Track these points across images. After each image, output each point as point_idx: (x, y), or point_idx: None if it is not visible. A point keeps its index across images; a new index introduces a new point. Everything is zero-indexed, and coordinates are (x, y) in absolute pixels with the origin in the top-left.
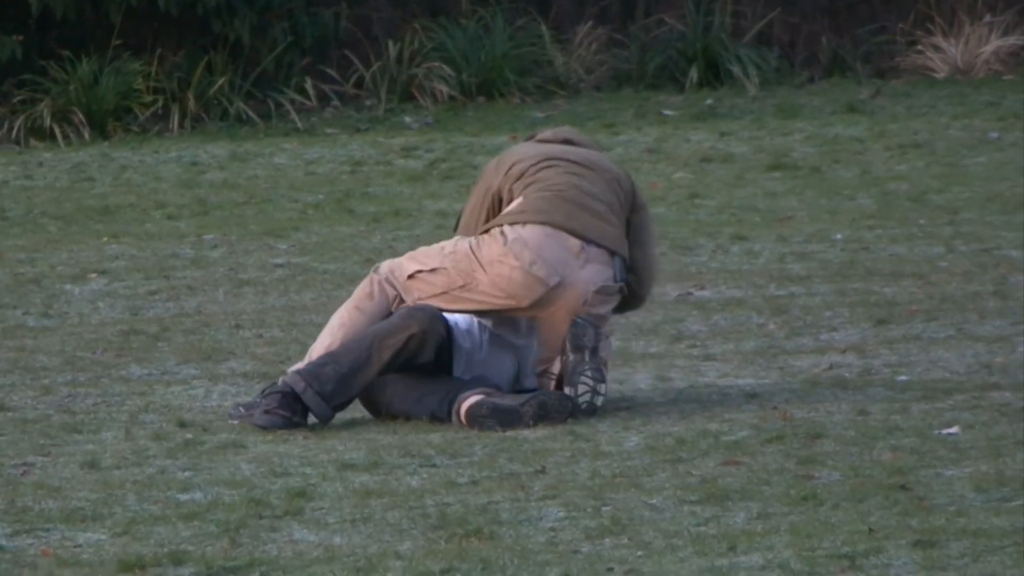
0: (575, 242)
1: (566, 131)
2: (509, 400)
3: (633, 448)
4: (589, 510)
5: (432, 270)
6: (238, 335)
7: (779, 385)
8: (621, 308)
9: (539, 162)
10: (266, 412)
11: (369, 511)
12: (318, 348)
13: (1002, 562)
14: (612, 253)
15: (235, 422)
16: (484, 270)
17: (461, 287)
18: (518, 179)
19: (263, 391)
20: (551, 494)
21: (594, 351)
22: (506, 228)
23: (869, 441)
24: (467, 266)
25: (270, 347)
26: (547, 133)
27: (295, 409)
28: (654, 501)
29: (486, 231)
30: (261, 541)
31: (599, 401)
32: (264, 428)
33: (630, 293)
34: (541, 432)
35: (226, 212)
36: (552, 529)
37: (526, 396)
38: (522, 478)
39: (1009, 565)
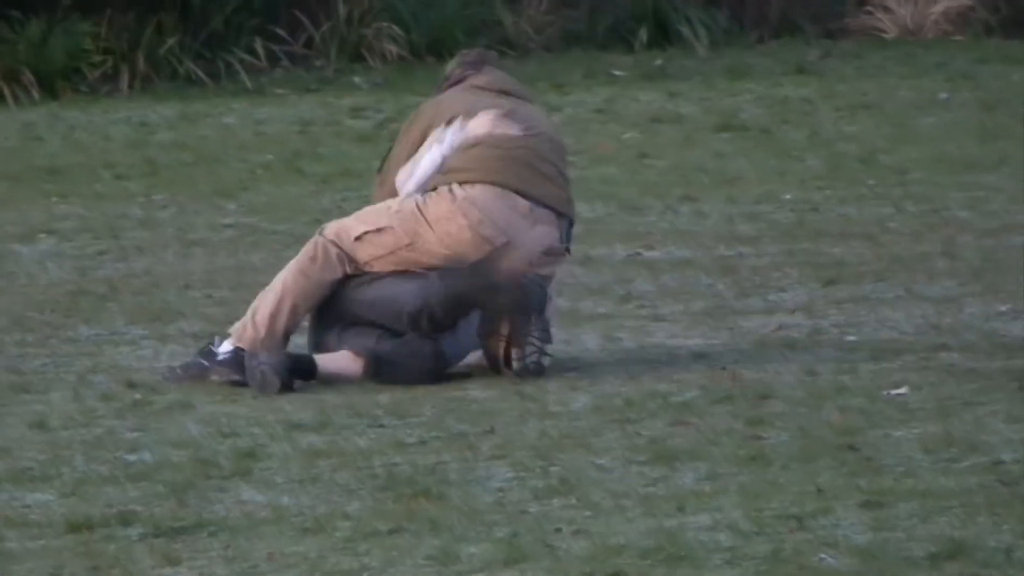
0: (524, 203)
1: (502, 79)
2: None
3: (581, 409)
4: (537, 470)
5: (378, 230)
6: (187, 295)
7: (728, 346)
8: None
9: (476, 107)
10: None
11: (317, 471)
12: (261, 310)
13: (950, 523)
14: (560, 215)
15: (171, 384)
16: (431, 228)
17: (407, 246)
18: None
19: (199, 351)
20: (499, 454)
21: (540, 312)
22: (455, 187)
23: (817, 402)
24: (413, 225)
25: (219, 307)
26: (480, 79)
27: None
28: (602, 461)
29: (434, 188)
30: (209, 501)
31: (546, 361)
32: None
33: None
34: (489, 392)
35: (175, 172)
36: (500, 489)
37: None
38: (470, 438)
39: (957, 526)
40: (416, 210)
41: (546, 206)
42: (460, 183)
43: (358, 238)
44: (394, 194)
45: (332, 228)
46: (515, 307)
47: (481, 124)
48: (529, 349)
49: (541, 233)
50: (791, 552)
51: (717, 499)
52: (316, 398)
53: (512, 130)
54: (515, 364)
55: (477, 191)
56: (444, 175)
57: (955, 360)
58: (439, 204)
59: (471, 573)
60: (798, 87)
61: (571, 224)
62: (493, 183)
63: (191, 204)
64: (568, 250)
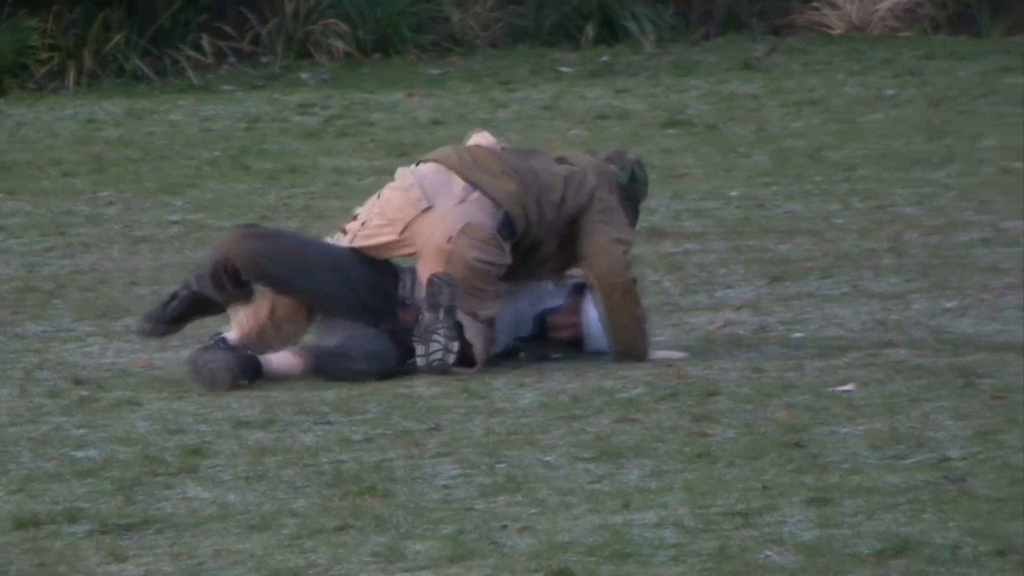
0: (461, 183)
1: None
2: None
3: (528, 405)
4: (483, 467)
5: (353, 217)
6: (134, 292)
7: (674, 342)
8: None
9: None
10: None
11: (264, 468)
12: None
13: (896, 519)
14: (498, 204)
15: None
16: (378, 199)
17: (362, 224)
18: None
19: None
20: (445, 451)
21: (449, 310)
22: (411, 167)
23: (764, 399)
24: (370, 204)
25: None
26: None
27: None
28: (548, 458)
29: None
30: (156, 498)
31: (451, 359)
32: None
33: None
34: (436, 389)
35: (122, 169)
36: (446, 486)
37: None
38: (416, 435)
39: (903, 522)
40: (377, 195)
41: (484, 193)
42: (416, 164)
43: (343, 231)
44: None
45: None
46: (425, 304)
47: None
48: (433, 347)
49: (467, 210)
50: (737, 549)
51: (663, 496)
52: (263, 395)
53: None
54: (419, 360)
55: (423, 167)
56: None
57: (902, 357)
58: (388, 187)
59: (417, 570)
60: (744, 83)
61: (510, 219)
62: (438, 161)
63: (138, 201)
64: (498, 239)
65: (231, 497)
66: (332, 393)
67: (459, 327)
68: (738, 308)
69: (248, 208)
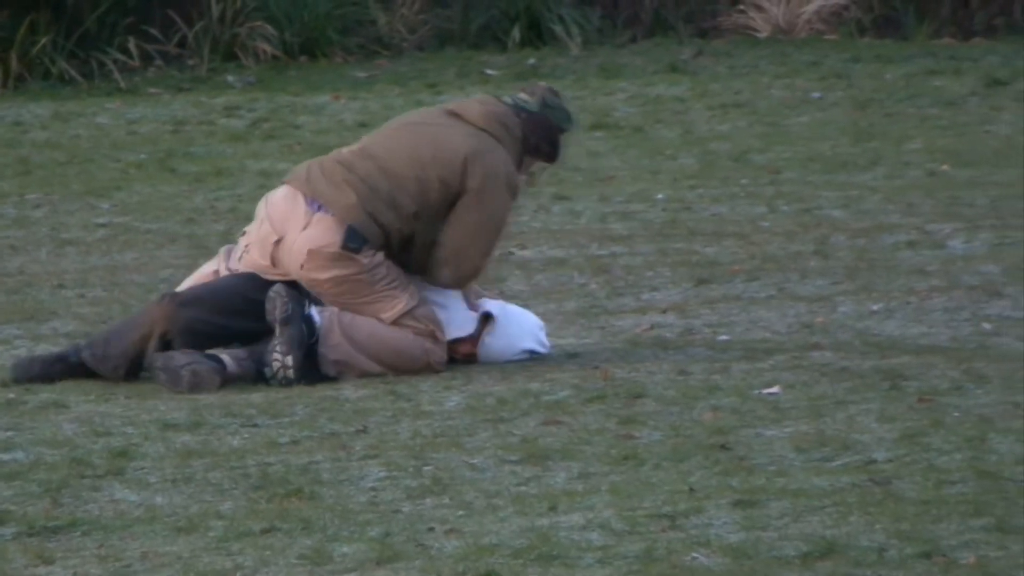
0: (303, 206)
1: (468, 100)
2: (180, 360)
3: (454, 408)
4: (410, 470)
5: (243, 234)
6: (60, 295)
7: (600, 345)
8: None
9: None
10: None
11: (191, 471)
12: None
13: (822, 522)
14: (340, 220)
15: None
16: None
17: (246, 248)
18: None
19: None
20: (372, 454)
21: (284, 322)
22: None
23: (690, 401)
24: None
25: (92, 307)
26: (467, 100)
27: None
28: (475, 461)
29: None
30: (83, 501)
31: (291, 374)
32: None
33: (431, 271)
34: (362, 392)
35: (48, 172)
36: (373, 489)
37: (192, 359)
38: (343, 438)
39: (829, 524)
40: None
41: (326, 210)
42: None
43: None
44: None
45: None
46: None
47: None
48: (274, 366)
49: (312, 235)
50: (663, 551)
51: (589, 498)
52: (189, 398)
53: (354, 146)
54: (268, 380)
55: (276, 193)
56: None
57: (828, 359)
58: (259, 207)
59: (344, 572)
60: (671, 86)
61: (355, 232)
62: (288, 183)
63: (64, 203)
64: (351, 250)
65: (158, 499)
66: (259, 396)
67: (295, 338)
68: (664, 311)
69: (175, 211)
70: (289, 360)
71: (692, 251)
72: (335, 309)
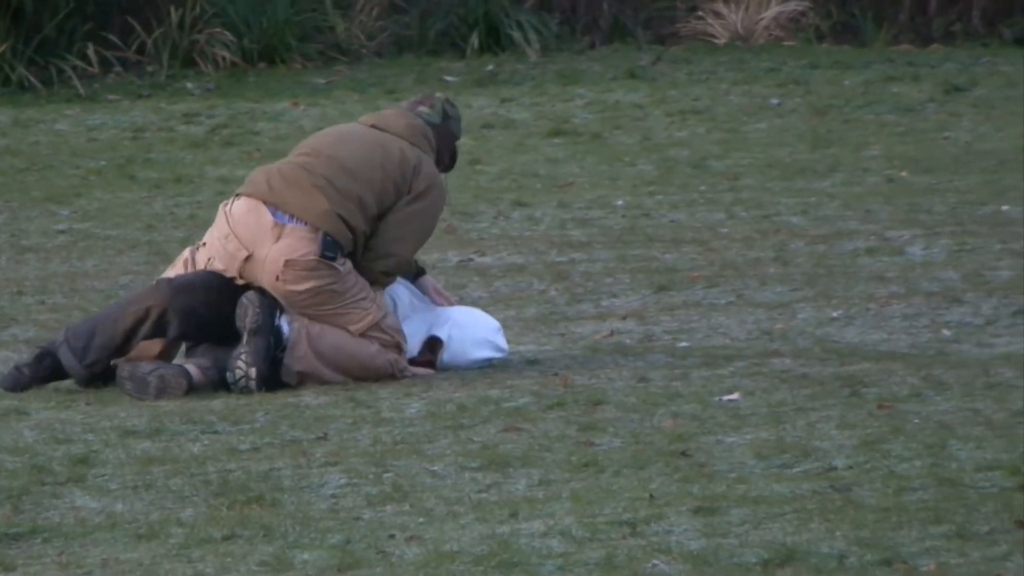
0: (269, 218)
1: (385, 113)
2: (146, 368)
3: (415, 415)
4: (371, 477)
5: (203, 244)
6: (20, 301)
7: (560, 351)
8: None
9: (311, 139)
10: (15, 368)
11: (151, 478)
12: None
13: (782, 528)
14: (315, 229)
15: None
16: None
17: (208, 260)
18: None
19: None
20: (333, 461)
21: (253, 332)
22: (229, 202)
23: (650, 408)
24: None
25: (52, 313)
26: (385, 112)
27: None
28: (436, 468)
29: None
30: (44, 508)
31: (253, 385)
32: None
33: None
34: (323, 399)
35: (8, 178)
36: (334, 496)
37: (157, 365)
38: (304, 444)
39: (789, 531)
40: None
41: (297, 220)
42: (234, 197)
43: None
44: None
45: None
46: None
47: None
48: (237, 373)
49: (285, 246)
50: (624, 558)
51: (550, 505)
52: (150, 405)
53: (297, 151)
54: (230, 386)
55: (236, 205)
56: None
57: (787, 366)
58: (217, 220)
59: None
60: (629, 92)
61: (331, 239)
62: (248, 195)
63: (24, 210)
64: (329, 259)
65: (119, 506)
66: (219, 403)
67: (260, 350)
68: (624, 317)
69: (135, 217)
70: (252, 372)
71: (651, 257)
72: (305, 320)
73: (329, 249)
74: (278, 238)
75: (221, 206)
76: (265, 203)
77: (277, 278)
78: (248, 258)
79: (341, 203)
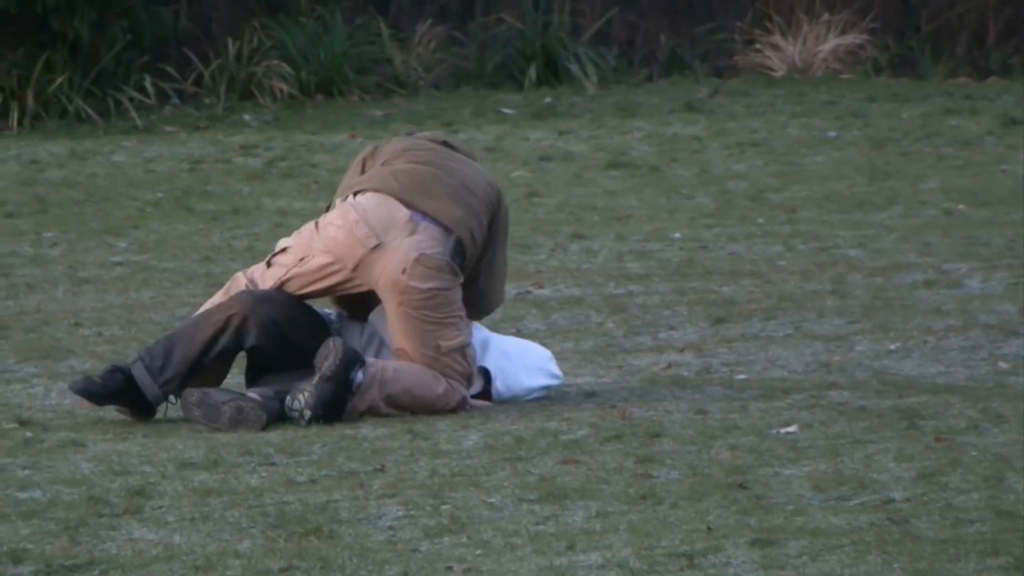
0: (405, 212)
1: (442, 136)
2: (220, 397)
3: (472, 447)
4: (428, 508)
5: (283, 250)
6: (77, 333)
7: (618, 384)
8: (470, 312)
9: (405, 150)
10: (85, 376)
11: (208, 509)
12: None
13: (840, 561)
14: (448, 231)
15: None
16: (319, 235)
17: (301, 260)
18: (383, 164)
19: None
20: (390, 493)
21: (326, 379)
22: (349, 198)
23: (707, 440)
24: (307, 238)
25: (109, 345)
26: (426, 134)
27: (112, 378)
28: (493, 500)
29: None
30: (100, 539)
31: (302, 423)
32: (75, 391)
33: (471, 294)
34: (380, 431)
35: (65, 210)
36: (391, 528)
37: (233, 396)
38: (361, 476)
39: (847, 564)
40: (313, 225)
41: (432, 220)
42: (353, 193)
43: (268, 264)
44: None
45: (251, 269)
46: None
47: (387, 150)
48: (295, 404)
49: (418, 241)
50: None
51: (607, 537)
52: (207, 436)
53: (410, 155)
54: (286, 403)
55: (363, 198)
56: (344, 191)
57: (845, 398)
58: (329, 214)
59: None
60: (687, 125)
61: (461, 244)
62: (378, 190)
63: (81, 241)
64: (453, 267)
65: (176, 538)
66: (276, 434)
67: (326, 397)
68: (681, 350)
69: (192, 249)
70: (307, 414)
71: (709, 290)
72: (380, 366)
73: (457, 254)
74: (412, 233)
75: (336, 207)
76: (396, 199)
77: (404, 271)
78: (377, 247)
79: (470, 214)
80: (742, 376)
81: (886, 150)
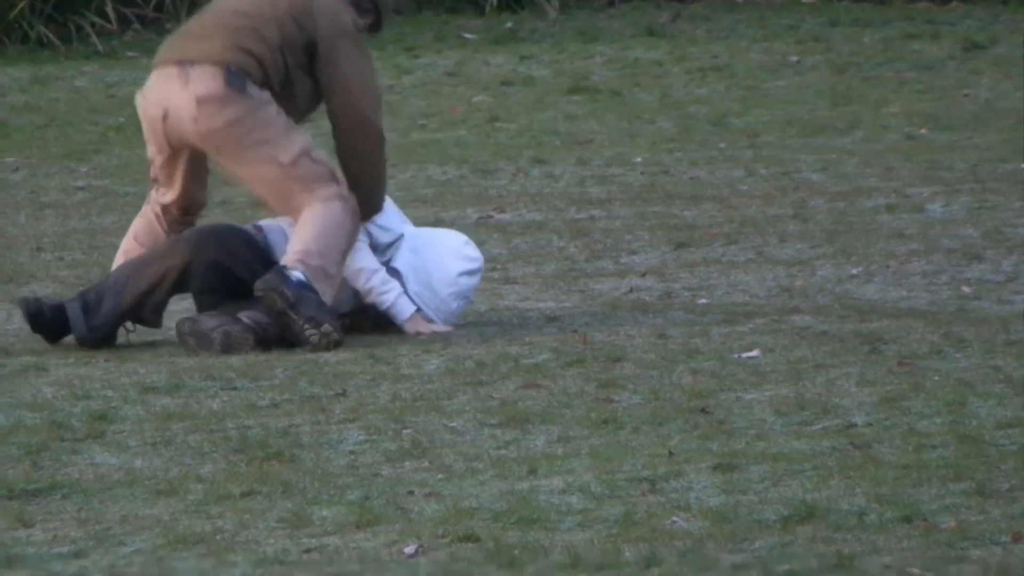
0: (174, 69)
1: None
2: (208, 323)
3: (433, 371)
4: (390, 433)
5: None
6: (39, 258)
7: (579, 308)
8: (343, 143)
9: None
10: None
11: (170, 434)
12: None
13: (802, 485)
14: (216, 64)
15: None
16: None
17: (151, 161)
18: None
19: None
20: (351, 417)
21: (293, 306)
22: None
23: (669, 365)
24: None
25: (71, 270)
26: None
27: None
28: (454, 424)
29: None
30: (63, 464)
31: (336, 336)
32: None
33: (335, 114)
34: (341, 355)
35: (27, 135)
36: (352, 452)
37: (221, 321)
38: (322, 401)
39: (809, 488)
40: None
41: (196, 63)
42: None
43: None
44: None
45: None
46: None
47: None
48: (315, 339)
49: (192, 88)
50: (643, 515)
51: (569, 462)
52: (169, 360)
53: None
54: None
55: (147, 81)
56: None
57: (807, 323)
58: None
59: (323, 535)
60: (649, 50)
61: (240, 70)
62: (155, 67)
63: (43, 167)
64: (240, 89)
65: (138, 462)
66: (238, 359)
67: (310, 305)
68: (643, 274)
69: None
70: (326, 327)
71: (671, 214)
72: (299, 248)
73: (234, 79)
74: (185, 84)
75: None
76: (165, 64)
77: (195, 119)
78: (165, 116)
79: (236, 36)
80: (704, 301)
81: (848, 74)
